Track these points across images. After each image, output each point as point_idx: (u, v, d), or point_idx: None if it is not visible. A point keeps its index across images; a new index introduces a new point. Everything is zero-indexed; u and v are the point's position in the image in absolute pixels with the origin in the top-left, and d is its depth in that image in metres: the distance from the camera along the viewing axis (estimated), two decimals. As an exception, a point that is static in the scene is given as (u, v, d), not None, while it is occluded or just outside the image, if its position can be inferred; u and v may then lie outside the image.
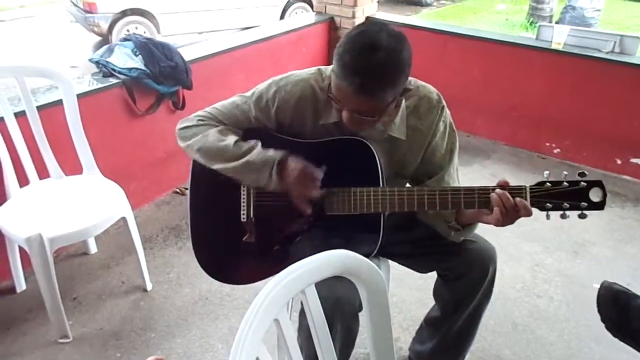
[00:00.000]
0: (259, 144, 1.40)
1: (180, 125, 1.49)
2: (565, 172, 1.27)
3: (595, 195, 1.25)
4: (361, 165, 1.38)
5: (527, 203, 1.26)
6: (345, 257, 1.04)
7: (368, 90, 1.20)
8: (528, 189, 1.27)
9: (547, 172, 1.29)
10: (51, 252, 1.83)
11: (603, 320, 1.45)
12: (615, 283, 1.49)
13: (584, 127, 3.33)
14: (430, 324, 1.75)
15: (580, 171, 1.26)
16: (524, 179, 3.11)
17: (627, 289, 1.47)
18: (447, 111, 1.47)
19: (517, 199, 1.26)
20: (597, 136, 3.29)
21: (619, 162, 3.28)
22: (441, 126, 1.45)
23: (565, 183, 1.26)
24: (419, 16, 9.42)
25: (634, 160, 3.23)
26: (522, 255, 2.56)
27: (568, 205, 1.26)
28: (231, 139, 1.40)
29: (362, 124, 1.31)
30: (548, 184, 1.27)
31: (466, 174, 3.12)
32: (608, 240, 2.69)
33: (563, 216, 1.27)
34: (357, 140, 1.38)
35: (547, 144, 3.49)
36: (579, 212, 1.27)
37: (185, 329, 2.07)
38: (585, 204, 1.26)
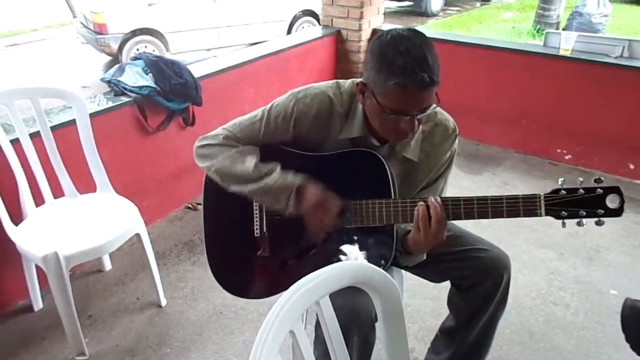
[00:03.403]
0: (279, 167, 1.40)
1: (198, 143, 1.50)
2: (581, 179, 1.24)
3: (612, 201, 1.22)
4: (372, 177, 1.39)
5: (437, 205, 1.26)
6: (358, 268, 1.05)
7: (435, 78, 1.21)
8: (542, 197, 1.25)
9: (562, 179, 1.26)
10: (67, 270, 1.85)
11: (628, 340, 1.41)
12: (638, 301, 1.45)
13: (595, 133, 3.31)
14: (445, 334, 1.74)
15: (597, 177, 1.23)
16: (535, 186, 3.07)
17: None
18: (457, 142, 1.48)
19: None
20: (609, 141, 3.27)
21: (631, 167, 3.25)
22: (448, 154, 1.47)
23: (581, 190, 1.23)
24: (425, 27, 9.46)
25: (647, 164, 3.21)
26: (536, 262, 2.54)
27: (584, 213, 1.23)
28: (250, 162, 1.41)
29: (417, 127, 1.30)
30: (563, 191, 1.24)
31: (476, 182, 3.11)
32: (623, 246, 2.66)
33: (579, 224, 1.24)
34: (367, 152, 1.39)
35: (559, 151, 3.47)
36: (596, 219, 1.23)
37: (200, 343, 2.07)
38: (602, 211, 1.22)
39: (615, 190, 1.22)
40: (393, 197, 1.37)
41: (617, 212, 1.22)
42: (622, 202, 1.21)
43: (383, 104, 1.26)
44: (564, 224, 1.25)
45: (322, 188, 1.38)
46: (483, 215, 1.30)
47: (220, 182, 1.45)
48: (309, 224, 1.40)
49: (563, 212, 1.24)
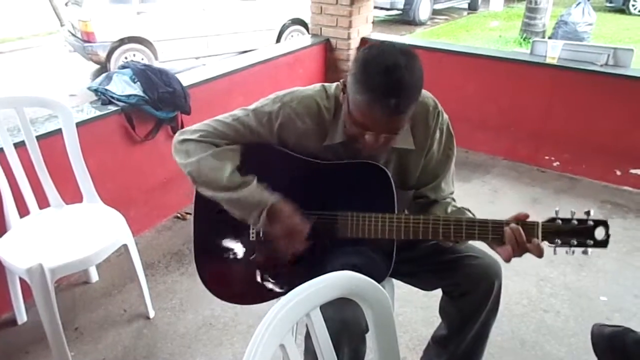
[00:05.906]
0: (255, 180, 1.38)
1: (178, 137, 1.44)
2: (573, 210, 1.30)
3: (599, 233, 1.30)
4: (375, 190, 1.38)
5: (541, 243, 1.28)
6: (349, 278, 1.03)
7: (403, 108, 1.21)
8: (540, 225, 1.31)
9: (557, 208, 1.32)
10: (52, 282, 1.81)
11: None
12: (604, 326, 1.47)
13: (582, 140, 3.33)
14: (437, 343, 1.73)
15: (587, 210, 1.30)
16: (524, 192, 3.08)
17: (616, 326, 1.44)
18: (444, 116, 1.47)
19: (534, 240, 1.29)
20: (596, 148, 3.30)
21: (618, 173, 3.28)
22: (438, 133, 1.46)
23: (574, 221, 1.30)
24: (413, 35, 9.53)
25: (633, 171, 3.23)
26: (526, 269, 2.54)
27: (576, 242, 1.30)
28: (226, 169, 1.37)
29: (386, 144, 1.30)
30: (559, 221, 1.30)
31: (466, 190, 3.12)
32: (612, 252, 2.67)
33: (568, 252, 1.31)
34: (373, 165, 1.38)
35: (546, 158, 3.49)
36: (584, 249, 1.30)
37: (189, 356, 2.04)
38: (592, 242, 1.30)
39: (603, 223, 1.30)
40: (395, 211, 1.36)
41: (603, 244, 1.30)
42: (608, 235, 1.30)
43: (351, 111, 1.26)
44: (555, 251, 1.32)
45: (295, 208, 1.36)
46: (483, 238, 1.35)
47: (194, 183, 1.42)
48: (277, 244, 1.39)
49: (557, 240, 1.31)
